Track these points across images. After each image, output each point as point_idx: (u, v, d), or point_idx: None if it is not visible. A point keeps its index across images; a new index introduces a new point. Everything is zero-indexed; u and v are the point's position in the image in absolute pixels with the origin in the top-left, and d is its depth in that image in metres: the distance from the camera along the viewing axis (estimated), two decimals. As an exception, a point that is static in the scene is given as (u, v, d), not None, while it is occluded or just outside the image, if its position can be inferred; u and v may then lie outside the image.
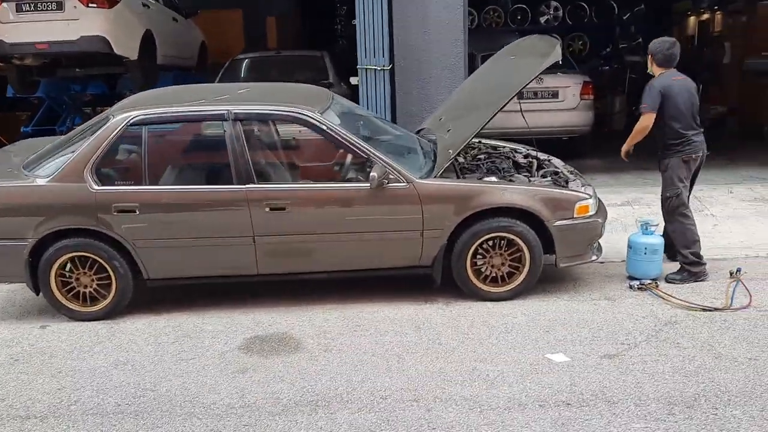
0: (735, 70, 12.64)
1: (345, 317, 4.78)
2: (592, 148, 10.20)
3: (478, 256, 4.94)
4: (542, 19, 15.18)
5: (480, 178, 5.06)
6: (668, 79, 5.28)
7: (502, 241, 4.91)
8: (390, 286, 5.18)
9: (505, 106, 5.16)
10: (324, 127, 4.78)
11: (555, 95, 9.40)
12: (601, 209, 5.16)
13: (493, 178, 5.07)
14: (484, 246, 4.92)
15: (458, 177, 5.09)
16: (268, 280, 4.97)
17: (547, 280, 5.27)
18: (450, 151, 4.94)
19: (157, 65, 9.07)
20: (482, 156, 5.87)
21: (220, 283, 5.03)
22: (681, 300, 4.81)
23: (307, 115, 4.79)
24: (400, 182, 4.77)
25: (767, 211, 6.77)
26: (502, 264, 4.97)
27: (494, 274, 4.98)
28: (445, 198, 4.84)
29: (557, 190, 4.99)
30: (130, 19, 8.29)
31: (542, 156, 6.09)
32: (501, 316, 4.72)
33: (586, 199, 4.96)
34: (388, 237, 4.85)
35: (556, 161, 6.01)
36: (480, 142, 6.25)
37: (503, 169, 5.48)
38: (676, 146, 5.31)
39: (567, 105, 9.40)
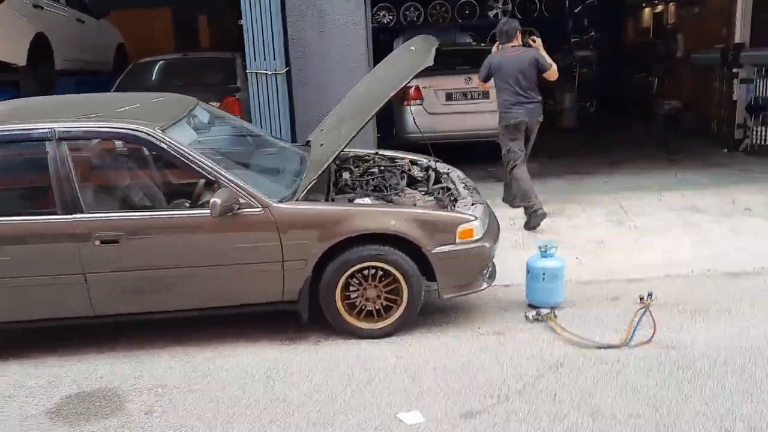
0: (689, 63, 12.15)
1: (192, 365, 4.17)
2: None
3: (351, 288, 4.35)
4: (491, 14, 14.59)
5: (352, 200, 4.45)
6: (500, 54, 6.45)
7: (378, 272, 4.33)
8: (262, 321, 4.57)
9: (371, 119, 4.56)
10: (163, 146, 4.14)
11: (485, 95, 8.81)
12: (490, 232, 4.57)
13: (367, 200, 4.47)
14: (358, 277, 4.33)
15: (328, 198, 4.48)
16: (114, 321, 4.35)
17: (437, 310, 4.70)
18: (310, 173, 4.33)
19: (55, 71, 8.39)
20: (375, 170, 5.28)
21: (54, 327, 4.39)
22: (575, 335, 4.24)
23: (143, 132, 4.14)
24: (254, 207, 4.16)
25: (695, 222, 6.23)
26: (378, 297, 4.38)
27: (371, 308, 4.39)
28: (306, 224, 4.24)
29: (435, 213, 4.40)
30: (14, 23, 7.58)
31: (442, 168, 5.51)
32: (370, 360, 4.12)
33: (470, 221, 4.36)
34: (245, 270, 4.24)
35: (456, 174, 5.43)
36: (376, 153, 5.66)
37: (392, 186, 4.88)
38: (501, 113, 6.68)
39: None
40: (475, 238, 4.38)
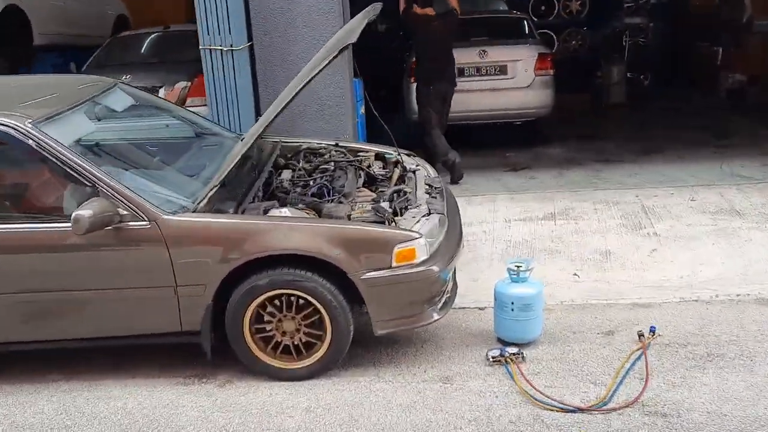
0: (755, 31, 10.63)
1: (73, 406, 3.46)
2: (566, 131, 8.55)
3: (266, 319, 3.54)
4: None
5: (267, 210, 3.60)
6: None
7: (296, 300, 3.50)
8: (172, 353, 3.82)
9: (281, 111, 3.67)
10: (30, 143, 3.38)
11: (502, 70, 7.77)
12: (443, 251, 3.64)
13: (285, 210, 3.60)
14: (273, 305, 3.52)
15: (241, 206, 3.64)
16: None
17: (385, 341, 3.84)
18: (214, 176, 3.50)
19: (32, 47, 7.80)
20: (327, 166, 4.42)
21: None
22: (537, 389, 3.31)
23: (12, 126, 3.40)
24: (140, 220, 3.37)
25: (731, 230, 5.10)
26: (297, 330, 3.56)
27: (292, 343, 3.58)
28: (202, 241, 3.42)
29: (363, 229, 3.50)
30: (-23, -7, 7.01)
31: (410, 164, 4.58)
32: (273, 412, 3.32)
33: (411, 239, 3.45)
34: (133, 295, 3.48)
35: (425, 172, 4.50)
36: (336, 145, 4.77)
37: (335, 189, 4.02)
38: None
39: (518, 82, 7.77)
40: (419, 260, 3.48)
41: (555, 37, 12.67)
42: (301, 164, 4.52)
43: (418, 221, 3.65)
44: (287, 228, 3.44)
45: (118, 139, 4.08)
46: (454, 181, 6.72)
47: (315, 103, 5.67)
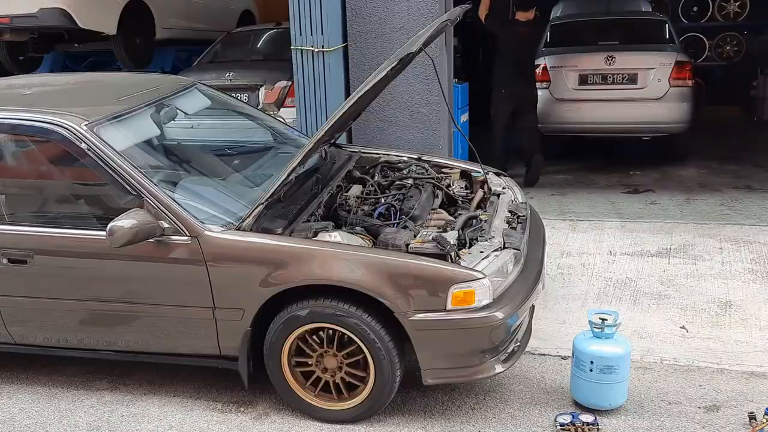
0: None
1: (107, 423, 3.33)
2: (700, 149, 7.59)
3: (307, 353, 3.23)
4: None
5: (318, 231, 3.26)
6: None
7: (339, 335, 3.16)
8: (211, 376, 3.61)
9: (330, 128, 3.29)
10: (82, 146, 3.25)
11: (632, 79, 6.98)
12: (512, 295, 3.14)
13: (336, 234, 3.25)
14: (315, 339, 3.20)
15: (292, 225, 3.33)
16: (43, 353, 3.63)
17: (440, 386, 3.41)
18: (263, 192, 3.20)
19: (154, 40, 8.00)
20: (403, 183, 4.04)
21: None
22: (606, 478, 2.76)
23: (66, 128, 3.29)
24: (181, 235, 3.16)
25: None
26: (339, 368, 3.21)
27: (333, 381, 3.24)
28: (242, 262, 3.15)
29: (417, 263, 3.06)
30: (105, -13, 7.24)
31: (497, 186, 4.09)
32: (301, 460, 3.00)
33: (472, 280, 2.99)
34: (170, 313, 3.28)
35: (512, 196, 4.00)
36: (419, 159, 4.37)
37: (402, 210, 3.63)
38: None
39: (649, 93, 6.94)
40: (480, 304, 3.01)
41: (707, 41, 11.45)
42: (376, 179, 4.17)
43: (486, 257, 3.17)
44: (329, 256, 3.09)
45: (179, 144, 3.92)
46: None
47: (406, 110, 5.29)
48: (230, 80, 6.55)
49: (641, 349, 3.70)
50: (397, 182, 4.10)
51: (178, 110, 3.99)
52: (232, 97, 6.31)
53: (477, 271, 3.03)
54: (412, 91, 5.24)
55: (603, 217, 5.60)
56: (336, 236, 3.23)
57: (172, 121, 3.97)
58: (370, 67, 5.27)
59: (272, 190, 3.17)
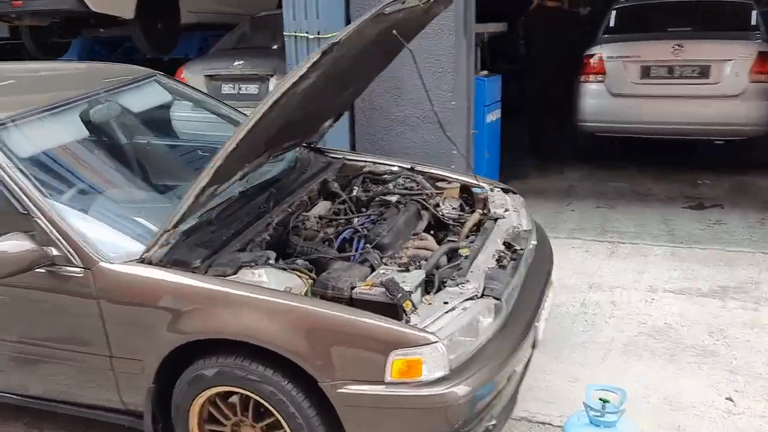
0: None
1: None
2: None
3: (221, 420, 2.58)
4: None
5: (241, 265, 2.58)
6: None
7: (257, 403, 2.49)
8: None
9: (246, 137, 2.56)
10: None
11: (703, 73, 5.94)
12: (482, 359, 2.38)
13: (261, 272, 2.54)
14: (229, 403, 2.55)
15: (214, 254, 2.67)
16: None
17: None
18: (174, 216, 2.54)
19: (178, 25, 7.52)
20: (385, 199, 3.33)
21: None
22: None
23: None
24: (73, 265, 2.57)
25: None
26: (259, 440, 2.55)
27: (254, 453, 2.59)
28: (140, 304, 2.52)
29: (345, 317, 2.33)
30: (121, -33, 6.79)
31: (499, 207, 3.30)
32: None
33: (419, 345, 2.24)
34: (67, 357, 2.71)
35: (512, 222, 3.20)
36: (411, 169, 3.63)
37: (372, 236, 2.92)
38: None
39: (723, 89, 5.89)
40: (430, 376, 2.27)
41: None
42: (354, 193, 3.47)
43: (449, 310, 2.41)
44: (235, 302, 2.41)
45: (115, 148, 3.31)
46: None
47: (416, 108, 4.54)
48: (239, 69, 5.97)
49: (669, 427, 2.85)
50: (377, 199, 3.39)
51: (122, 107, 3.41)
52: (239, 87, 5.69)
53: (427, 332, 2.28)
54: (421, 86, 4.48)
55: (651, 239, 4.67)
56: (261, 274, 2.55)
57: (116, 120, 3.39)
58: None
59: (176, 218, 2.50)
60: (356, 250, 2.91)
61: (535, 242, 3.16)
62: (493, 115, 5.17)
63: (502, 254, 2.91)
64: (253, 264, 2.58)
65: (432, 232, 3.27)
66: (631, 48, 6.15)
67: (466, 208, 3.45)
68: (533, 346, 2.77)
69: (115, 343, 2.57)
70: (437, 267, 2.77)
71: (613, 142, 6.98)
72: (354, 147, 4.77)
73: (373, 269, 2.70)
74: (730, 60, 5.83)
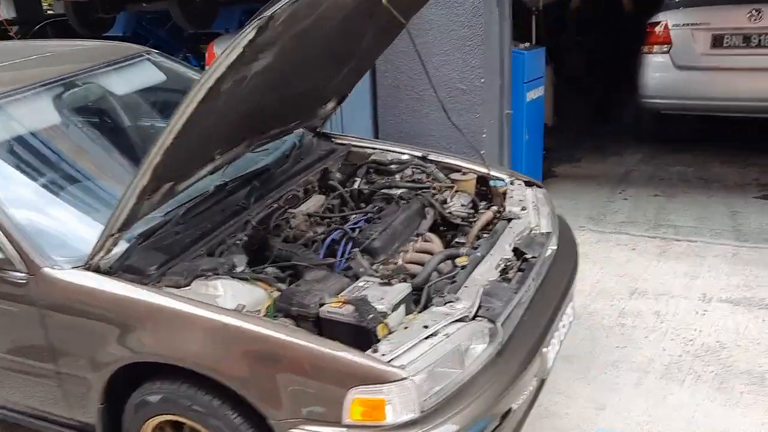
0: None
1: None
2: None
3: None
4: None
5: (196, 273, 2.25)
6: None
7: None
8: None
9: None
10: None
11: (787, 42, 5.19)
12: (467, 395, 1.97)
13: (218, 284, 2.20)
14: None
15: (172, 259, 2.35)
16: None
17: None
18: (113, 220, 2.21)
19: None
20: (388, 193, 2.95)
21: None
22: None
23: None
24: (16, 269, 2.30)
25: None
26: (213, 475, 2.23)
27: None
28: (83, 316, 2.23)
29: (301, 344, 1.94)
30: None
31: (516, 204, 2.85)
32: None
33: (383, 382, 1.86)
34: (17, 367, 2.47)
35: (529, 222, 2.75)
36: (424, 159, 3.21)
37: (361, 238, 2.55)
38: None
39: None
40: (396, 420, 1.89)
41: None
42: (357, 185, 3.10)
43: (429, 336, 2.01)
44: (178, 320, 2.08)
45: (79, 139, 3.01)
46: None
47: (443, 87, 4.07)
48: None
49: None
50: (379, 192, 3.00)
51: (104, 90, 3.13)
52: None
53: (394, 366, 1.89)
54: (450, 62, 4.02)
55: (712, 236, 4.08)
56: (216, 286, 2.21)
57: (95, 104, 3.11)
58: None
59: (119, 222, 2.16)
60: (342, 255, 2.56)
61: (555, 247, 2.71)
62: (535, 93, 4.63)
63: (508, 263, 2.47)
64: (209, 274, 2.24)
65: (444, 230, 2.88)
66: (700, 14, 5.43)
67: (481, 203, 3.01)
68: (541, 378, 2.35)
69: (61, 357, 2.30)
70: (430, 279, 2.38)
71: (681, 121, 6.28)
72: (377, 130, 4.38)
73: (357, 279, 2.33)
74: (821, 26, 5.06)
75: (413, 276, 2.43)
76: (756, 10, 5.17)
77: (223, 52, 1.80)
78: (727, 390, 2.77)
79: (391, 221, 2.68)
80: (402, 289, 2.22)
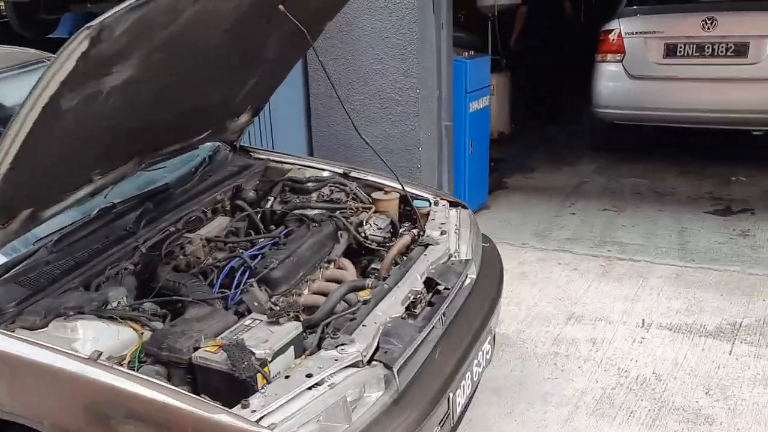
0: None
1: None
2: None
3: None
4: None
5: (57, 312, 1.99)
6: None
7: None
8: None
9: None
10: None
11: (740, 51, 5.05)
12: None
13: (77, 324, 1.95)
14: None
15: (33, 295, 2.09)
16: None
17: None
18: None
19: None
20: (306, 214, 2.72)
21: None
22: None
23: None
24: None
25: None
26: None
27: None
28: None
29: (145, 396, 1.70)
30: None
31: (436, 228, 2.63)
32: None
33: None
34: None
35: (448, 248, 2.53)
36: (345, 176, 2.99)
37: (260, 267, 2.32)
38: None
39: (766, 70, 4.99)
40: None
41: None
42: (269, 205, 2.86)
43: (313, 386, 1.78)
44: (20, 368, 1.83)
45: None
46: None
47: (376, 97, 3.87)
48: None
49: None
50: (291, 214, 2.77)
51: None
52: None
53: (260, 426, 1.65)
54: (383, 70, 3.81)
55: (657, 254, 3.90)
56: (75, 327, 1.95)
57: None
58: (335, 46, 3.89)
59: None
60: (237, 287, 2.32)
61: (474, 276, 2.49)
62: (479, 103, 4.44)
63: (418, 296, 2.24)
64: (71, 313, 1.99)
65: (363, 255, 2.66)
66: (653, 22, 5.30)
67: (405, 224, 2.79)
68: (451, 426, 2.13)
69: None
70: (327, 320, 2.14)
71: (639, 129, 6.14)
72: (311, 141, 4.14)
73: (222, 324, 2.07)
74: (775, 36, 4.93)
75: (313, 311, 2.21)
76: (709, 19, 5.04)
77: (49, 68, 1.55)
78: (659, 428, 2.57)
79: (296, 247, 2.46)
80: (290, 329, 1.98)
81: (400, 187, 2.90)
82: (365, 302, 2.17)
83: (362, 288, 2.28)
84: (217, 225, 2.70)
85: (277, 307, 2.21)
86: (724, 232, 4.18)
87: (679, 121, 5.43)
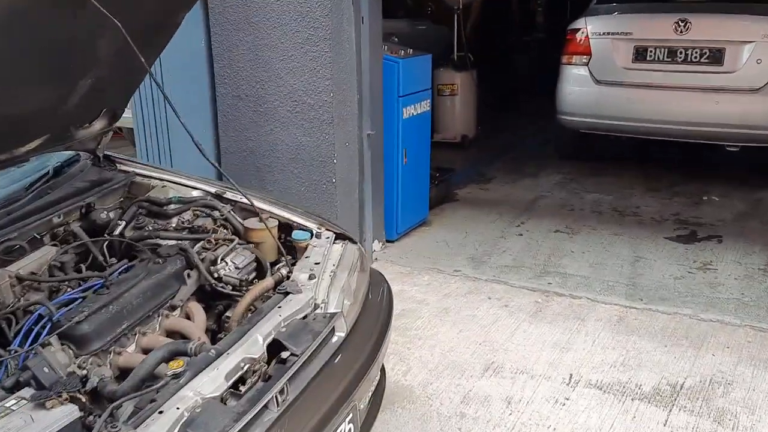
0: None
1: None
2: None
3: None
4: None
5: None
6: None
7: None
8: None
9: None
10: None
11: (715, 58, 4.57)
12: None
13: None
14: None
15: None
16: None
17: None
18: None
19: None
20: (159, 244, 2.26)
21: None
22: None
23: None
24: None
25: None
26: None
27: None
28: None
29: None
30: None
31: (306, 269, 2.15)
32: None
33: None
34: None
35: (317, 297, 2.05)
36: (218, 197, 2.51)
37: (65, 319, 1.84)
38: None
39: (740, 80, 4.53)
40: None
41: None
42: (119, 231, 2.38)
43: None
44: None
45: None
46: None
47: (287, 99, 3.38)
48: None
49: None
50: (143, 243, 2.29)
51: None
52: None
53: None
54: (295, 69, 3.31)
55: (602, 290, 3.43)
56: None
57: None
58: (239, 39, 3.40)
59: None
60: (31, 344, 1.84)
61: (343, 334, 2.02)
62: (415, 109, 3.94)
63: (253, 366, 1.77)
64: None
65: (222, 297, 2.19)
66: (622, 22, 4.83)
67: (282, 261, 2.31)
68: None
69: None
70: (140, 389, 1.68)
71: (609, 139, 5.66)
72: (218, 146, 3.66)
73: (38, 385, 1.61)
74: (751, 42, 4.44)
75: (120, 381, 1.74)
76: (682, 21, 4.56)
77: None
78: None
79: (123, 290, 1.97)
80: (59, 416, 1.51)
81: (281, 213, 2.45)
82: (176, 376, 1.71)
83: (184, 353, 1.81)
84: (39, 257, 2.22)
85: (84, 371, 1.76)
86: (683, 264, 3.70)
87: (647, 133, 4.96)
